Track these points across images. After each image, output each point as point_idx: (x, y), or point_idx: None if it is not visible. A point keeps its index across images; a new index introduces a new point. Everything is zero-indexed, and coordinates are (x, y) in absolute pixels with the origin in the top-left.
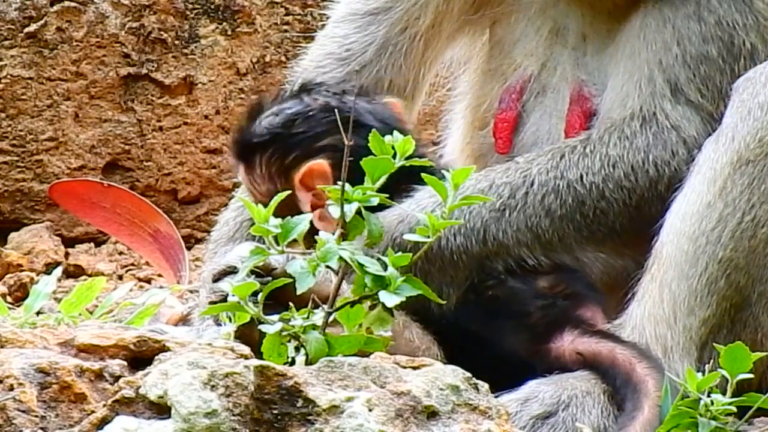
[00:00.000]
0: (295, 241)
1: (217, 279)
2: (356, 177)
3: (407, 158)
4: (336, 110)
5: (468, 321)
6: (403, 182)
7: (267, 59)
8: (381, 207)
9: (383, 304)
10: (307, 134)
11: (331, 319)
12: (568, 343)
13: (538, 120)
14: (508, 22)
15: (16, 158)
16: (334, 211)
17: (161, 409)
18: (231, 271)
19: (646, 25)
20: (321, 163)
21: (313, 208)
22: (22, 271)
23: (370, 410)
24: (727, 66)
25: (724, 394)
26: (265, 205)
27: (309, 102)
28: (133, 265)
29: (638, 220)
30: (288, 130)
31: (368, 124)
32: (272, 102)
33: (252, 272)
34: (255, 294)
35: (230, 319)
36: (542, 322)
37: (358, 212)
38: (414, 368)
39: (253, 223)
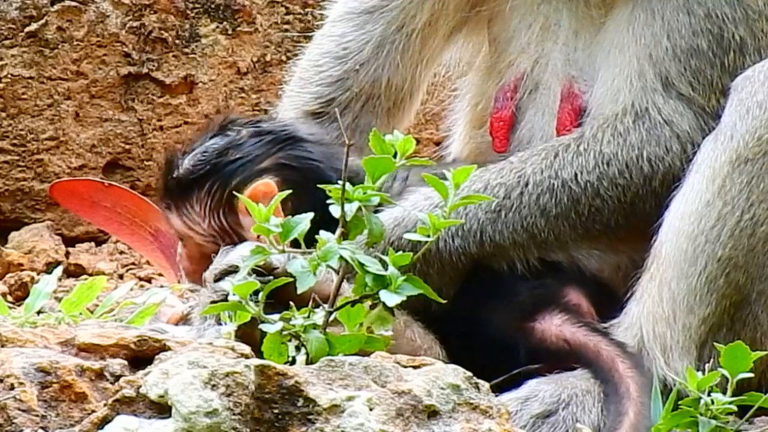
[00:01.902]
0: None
1: (218, 278)
2: (313, 193)
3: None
4: (270, 132)
5: (461, 301)
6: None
7: (267, 58)
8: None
9: (384, 304)
10: (246, 159)
11: (331, 318)
12: (556, 327)
13: (532, 118)
14: (503, 19)
15: (16, 157)
16: (335, 210)
17: (162, 409)
18: (232, 270)
19: (635, 18)
20: (267, 182)
21: None
22: (22, 270)
23: (370, 409)
24: (717, 59)
25: (724, 393)
26: (203, 251)
27: (234, 134)
28: (133, 264)
29: (632, 217)
30: (224, 158)
31: (305, 138)
32: (188, 147)
33: (253, 271)
34: (256, 293)
35: (231, 319)
36: (530, 301)
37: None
38: (415, 367)
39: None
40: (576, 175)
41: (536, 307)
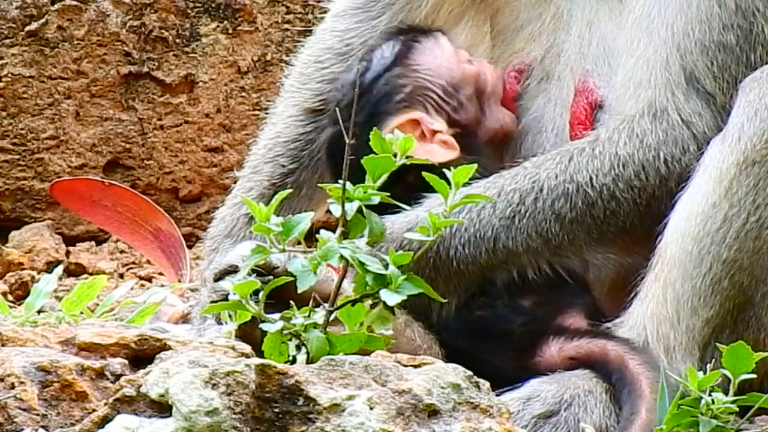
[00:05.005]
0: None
1: (218, 278)
2: None
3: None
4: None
5: (458, 339)
6: (413, 188)
7: (268, 57)
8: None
9: (384, 303)
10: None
11: (332, 317)
12: (557, 351)
13: (541, 107)
14: (511, 8)
15: (17, 157)
16: (335, 209)
17: (162, 408)
18: (232, 270)
19: (667, 5)
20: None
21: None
22: (23, 269)
23: (371, 409)
24: (744, 55)
25: (725, 393)
26: None
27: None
28: (134, 263)
29: (648, 218)
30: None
31: None
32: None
33: (253, 271)
34: (256, 292)
35: (231, 318)
36: (525, 338)
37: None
38: (415, 366)
39: (250, 220)
40: (591, 178)
41: (532, 343)
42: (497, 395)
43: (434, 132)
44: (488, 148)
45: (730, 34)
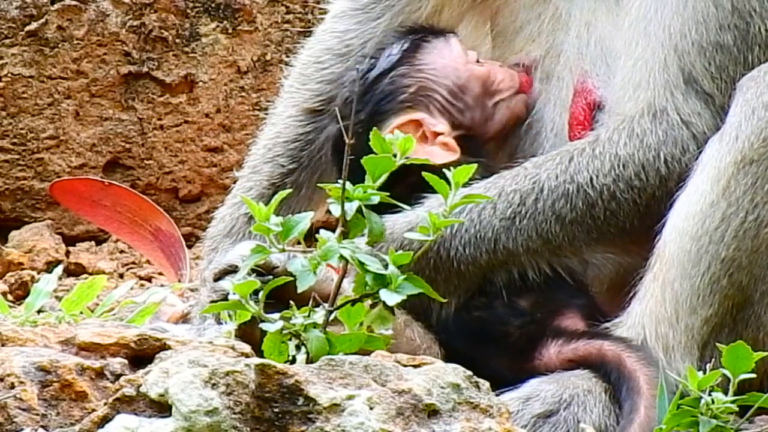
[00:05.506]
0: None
1: (218, 278)
2: None
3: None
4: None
5: (457, 340)
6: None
7: (268, 57)
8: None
9: (384, 303)
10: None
11: (332, 317)
12: (555, 354)
13: (541, 107)
14: (510, 9)
15: (16, 156)
16: (335, 209)
17: (162, 408)
18: (232, 270)
19: (664, 6)
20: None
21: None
22: (23, 269)
23: (371, 408)
24: (741, 55)
25: (725, 393)
26: None
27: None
28: (134, 263)
29: (647, 218)
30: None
31: None
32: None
33: (253, 270)
34: (256, 292)
35: (231, 318)
36: (522, 340)
37: (360, 211)
38: (415, 366)
39: (249, 219)
40: (592, 179)
41: (531, 345)
42: (497, 395)
43: (436, 134)
44: (493, 144)
45: (727, 34)
